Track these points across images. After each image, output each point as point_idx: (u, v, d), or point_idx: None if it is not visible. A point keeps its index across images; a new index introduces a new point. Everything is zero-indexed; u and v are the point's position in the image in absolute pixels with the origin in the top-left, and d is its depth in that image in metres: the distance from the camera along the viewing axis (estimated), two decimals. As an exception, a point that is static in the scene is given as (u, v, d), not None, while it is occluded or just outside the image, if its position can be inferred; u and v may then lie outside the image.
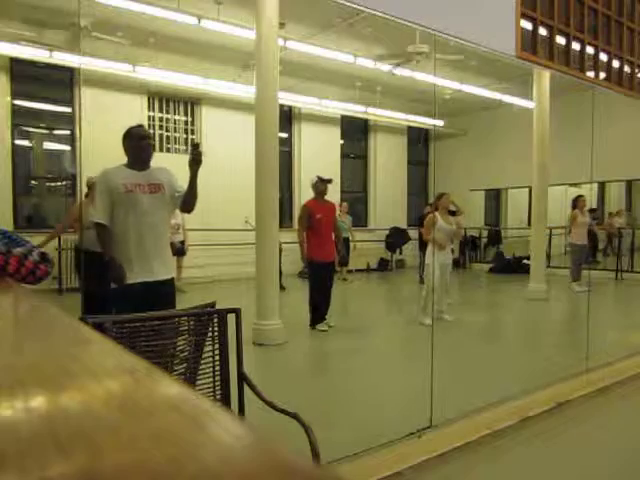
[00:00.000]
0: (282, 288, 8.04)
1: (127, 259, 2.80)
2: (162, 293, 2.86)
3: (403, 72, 8.67)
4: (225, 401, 2.01)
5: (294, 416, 1.77)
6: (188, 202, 2.94)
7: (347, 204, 10.20)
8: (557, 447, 3.03)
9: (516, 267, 10.53)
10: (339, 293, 8.80)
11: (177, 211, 9.19)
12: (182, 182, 3.00)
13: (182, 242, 8.06)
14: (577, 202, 8.25)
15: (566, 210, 8.73)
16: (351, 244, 9.79)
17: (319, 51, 7.67)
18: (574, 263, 8.36)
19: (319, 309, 5.67)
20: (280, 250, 7.90)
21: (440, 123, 11.40)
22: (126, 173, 2.87)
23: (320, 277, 5.65)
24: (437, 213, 5.86)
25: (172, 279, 2.97)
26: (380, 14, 3.11)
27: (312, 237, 5.68)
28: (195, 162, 2.79)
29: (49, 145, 9.09)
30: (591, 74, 4.60)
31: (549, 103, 7.58)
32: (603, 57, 4.69)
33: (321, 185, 5.74)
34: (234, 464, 0.30)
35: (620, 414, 3.70)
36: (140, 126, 3.02)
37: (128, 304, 2.70)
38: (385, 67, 8.45)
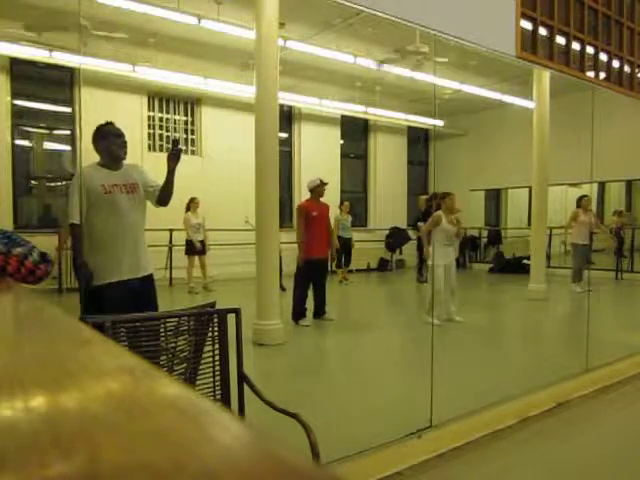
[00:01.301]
0: (282, 289, 8.06)
1: (113, 258, 2.81)
2: (147, 287, 2.95)
3: (403, 72, 8.67)
4: (225, 401, 2.01)
5: (294, 416, 1.78)
6: (164, 197, 2.94)
7: (348, 204, 10.17)
8: (557, 447, 3.04)
9: (516, 267, 10.53)
10: (339, 293, 8.81)
11: (198, 211, 9.26)
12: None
13: (202, 241, 8.17)
14: (581, 201, 8.19)
15: (567, 210, 8.72)
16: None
17: (319, 51, 7.67)
18: (576, 264, 8.26)
19: (302, 305, 5.85)
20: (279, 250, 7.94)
21: (440, 123, 11.40)
22: (103, 173, 2.85)
23: (309, 275, 5.86)
24: (441, 212, 5.84)
25: (152, 274, 3.02)
26: (380, 14, 3.11)
27: (307, 234, 5.85)
28: (174, 157, 2.81)
29: (49, 145, 9.09)
30: (591, 74, 4.60)
31: (549, 103, 7.58)
32: (603, 57, 4.69)
33: (321, 187, 5.97)
34: (234, 464, 0.30)
35: (620, 414, 3.70)
36: (111, 123, 2.96)
37: (118, 301, 2.75)
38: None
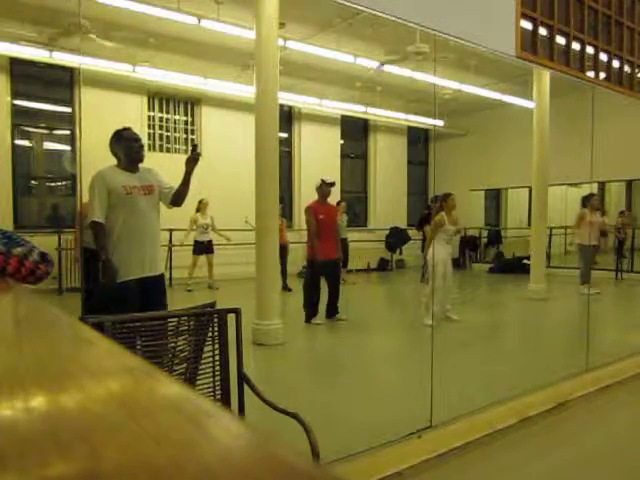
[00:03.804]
0: (288, 289, 8.05)
1: (134, 256, 2.95)
2: (159, 284, 3.09)
3: (403, 72, 8.67)
4: (225, 401, 2.01)
5: (294, 416, 1.78)
6: (179, 197, 3.09)
7: (345, 204, 9.96)
8: (557, 447, 3.03)
9: (516, 267, 10.52)
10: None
11: (207, 212, 9.46)
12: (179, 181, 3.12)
13: (210, 241, 8.23)
14: (588, 201, 7.84)
15: (566, 210, 8.69)
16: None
17: (319, 51, 7.67)
18: (585, 265, 7.85)
19: (314, 305, 5.85)
20: (287, 251, 8.00)
21: (440, 123, 11.39)
22: (123, 175, 2.98)
23: (317, 275, 5.87)
24: (444, 214, 5.80)
25: (163, 274, 3.19)
26: (380, 14, 3.11)
27: (315, 237, 5.84)
28: (193, 160, 2.96)
29: (49, 145, 9.08)
30: (591, 74, 4.60)
31: (549, 103, 7.58)
32: (603, 57, 4.69)
33: (325, 188, 5.96)
34: (234, 464, 0.30)
35: (620, 414, 3.70)
36: (129, 129, 3.10)
37: (133, 297, 2.89)
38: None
